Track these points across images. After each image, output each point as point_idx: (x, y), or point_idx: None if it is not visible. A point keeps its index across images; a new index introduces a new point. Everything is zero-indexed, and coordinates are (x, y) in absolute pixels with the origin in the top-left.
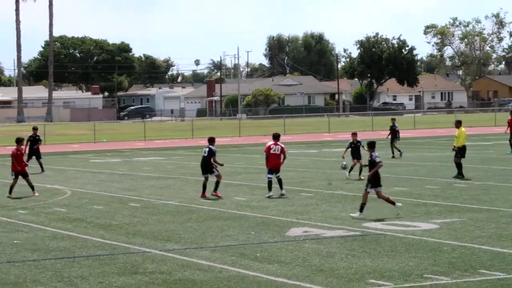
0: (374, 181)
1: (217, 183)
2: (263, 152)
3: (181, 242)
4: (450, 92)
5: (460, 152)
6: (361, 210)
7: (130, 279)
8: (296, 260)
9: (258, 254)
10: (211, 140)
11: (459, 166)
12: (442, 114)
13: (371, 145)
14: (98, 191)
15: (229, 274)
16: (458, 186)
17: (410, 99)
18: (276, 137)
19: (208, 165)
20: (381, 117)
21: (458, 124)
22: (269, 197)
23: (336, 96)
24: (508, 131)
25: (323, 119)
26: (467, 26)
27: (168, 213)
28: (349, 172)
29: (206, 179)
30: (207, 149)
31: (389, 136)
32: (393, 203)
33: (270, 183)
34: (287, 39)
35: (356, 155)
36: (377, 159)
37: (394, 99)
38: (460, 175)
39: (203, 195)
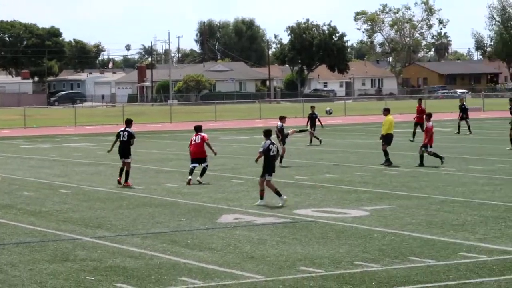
0: (266, 168)
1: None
2: None
3: (112, 229)
4: (380, 79)
5: (385, 139)
6: (261, 197)
7: (61, 266)
8: (227, 247)
9: (189, 241)
10: (129, 123)
11: (385, 153)
12: (372, 101)
13: (266, 133)
14: (29, 177)
15: (160, 261)
16: (388, 173)
17: (341, 86)
18: (197, 129)
19: (126, 149)
20: (312, 103)
21: (386, 112)
22: (188, 182)
23: (267, 83)
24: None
25: (254, 105)
26: (397, 13)
27: (98, 200)
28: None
29: (124, 163)
30: (125, 133)
31: (308, 124)
32: (279, 194)
33: (191, 171)
34: (218, 24)
35: (283, 141)
36: (260, 148)
37: (325, 86)
38: (387, 161)
39: (121, 181)
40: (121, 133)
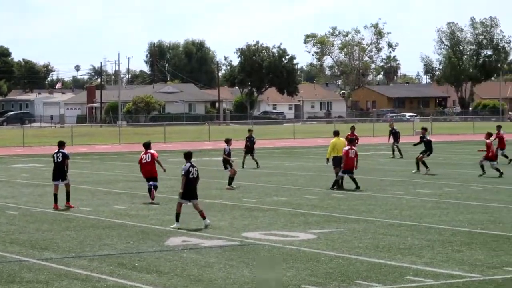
0: (187, 194)
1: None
2: None
3: (58, 251)
4: (329, 101)
5: (333, 162)
6: (177, 219)
7: None
8: (174, 269)
9: (136, 264)
10: (61, 144)
11: (336, 175)
12: (321, 123)
13: (187, 156)
14: None
15: (107, 283)
16: (336, 196)
17: (290, 108)
18: (146, 146)
19: (62, 171)
20: (261, 126)
21: (334, 134)
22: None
23: (217, 104)
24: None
25: (203, 127)
26: (347, 36)
27: (46, 221)
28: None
29: (56, 188)
30: (59, 154)
31: (245, 149)
32: (203, 217)
33: (149, 190)
34: (168, 46)
35: (230, 164)
36: (182, 172)
37: (274, 108)
38: (335, 184)
39: (58, 207)
40: (55, 155)
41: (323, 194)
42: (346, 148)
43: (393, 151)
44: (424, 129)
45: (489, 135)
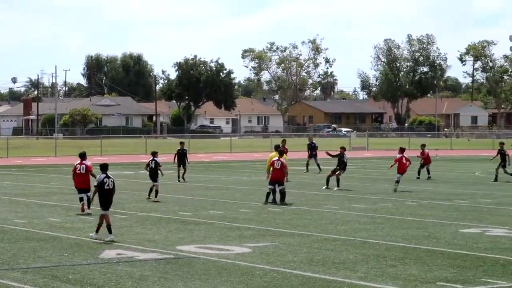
0: (101, 203)
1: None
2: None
3: None
4: (267, 116)
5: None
6: (97, 231)
7: None
8: (108, 283)
9: (70, 276)
10: None
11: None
12: (258, 138)
13: (102, 167)
14: None
15: None
16: (272, 210)
17: (227, 123)
18: (81, 156)
19: None
20: (198, 139)
21: (274, 149)
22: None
23: (154, 118)
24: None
25: (140, 140)
26: (284, 51)
27: None
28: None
29: None
30: None
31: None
32: (110, 231)
33: (81, 199)
34: (106, 59)
35: (154, 178)
36: (95, 183)
37: (212, 122)
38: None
39: None
40: None
41: (259, 208)
42: (274, 159)
43: (307, 165)
44: (343, 148)
45: (401, 150)
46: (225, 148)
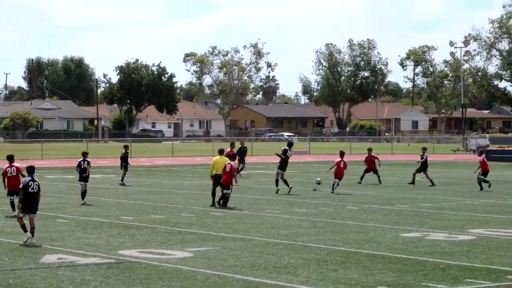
0: (27, 207)
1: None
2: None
3: None
4: (208, 120)
5: (213, 180)
6: (24, 231)
7: None
8: (49, 287)
9: (11, 281)
10: None
11: (212, 194)
12: (200, 142)
13: (29, 170)
14: None
15: None
16: (214, 215)
17: (169, 127)
18: (9, 158)
19: None
20: (140, 143)
21: (218, 153)
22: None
23: (95, 122)
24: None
25: (81, 144)
26: (226, 55)
27: None
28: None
29: None
30: None
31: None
32: (25, 230)
33: (12, 204)
34: (47, 62)
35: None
36: (20, 185)
37: (153, 126)
38: (213, 203)
39: None
40: None
41: (201, 213)
42: (226, 162)
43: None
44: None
45: (341, 154)
46: (167, 152)
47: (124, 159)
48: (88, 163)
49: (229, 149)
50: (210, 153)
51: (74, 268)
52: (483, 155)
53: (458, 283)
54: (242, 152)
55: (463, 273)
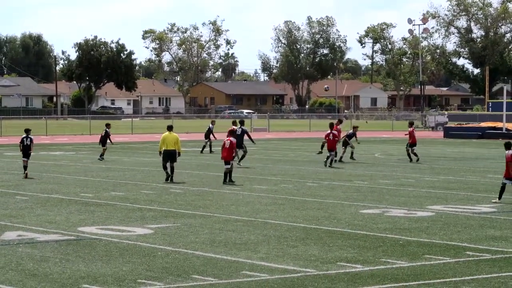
0: None
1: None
2: None
3: None
4: (168, 97)
5: (163, 156)
6: None
7: None
8: (9, 264)
9: None
10: None
11: (163, 167)
12: (160, 119)
13: None
14: None
15: None
16: (173, 191)
17: (129, 104)
18: None
19: None
20: (99, 121)
21: (168, 128)
22: None
23: (55, 99)
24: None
25: (41, 121)
26: (185, 32)
27: None
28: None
29: None
30: None
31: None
32: None
33: None
34: (5, 39)
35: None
36: None
37: (113, 103)
38: (167, 178)
39: None
40: None
41: (161, 189)
42: (225, 139)
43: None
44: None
45: (330, 126)
46: (126, 129)
47: (105, 136)
48: (31, 140)
49: (233, 127)
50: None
51: (34, 245)
52: (413, 127)
53: (417, 259)
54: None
55: (422, 249)
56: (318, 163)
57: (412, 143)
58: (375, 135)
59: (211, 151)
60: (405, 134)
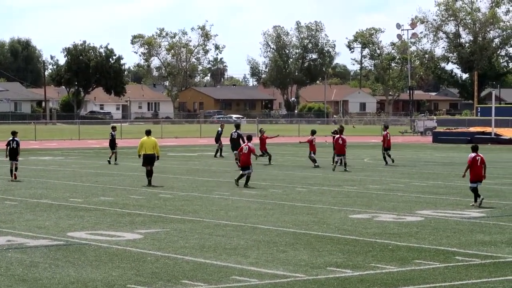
0: None
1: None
2: None
3: None
4: (157, 102)
5: (143, 161)
6: None
7: None
8: None
9: None
10: None
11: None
12: (149, 124)
13: None
14: None
15: None
16: (163, 196)
17: (118, 109)
18: None
19: None
20: (88, 125)
21: (146, 133)
22: None
23: (43, 104)
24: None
25: (29, 126)
26: (174, 37)
27: None
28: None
29: None
30: None
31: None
32: None
33: None
34: None
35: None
36: None
37: (102, 108)
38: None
39: None
40: None
41: (150, 194)
42: (243, 144)
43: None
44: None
45: (341, 131)
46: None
47: (112, 140)
48: (17, 143)
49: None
50: (159, 135)
51: (24, 250)
52: (387, 131)
53: (407, 264)
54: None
55: (411, 254)
56: (307, 168)
57: (387, 147)
58: (364, 140)
59: (221, 155)
60: (381, 141)
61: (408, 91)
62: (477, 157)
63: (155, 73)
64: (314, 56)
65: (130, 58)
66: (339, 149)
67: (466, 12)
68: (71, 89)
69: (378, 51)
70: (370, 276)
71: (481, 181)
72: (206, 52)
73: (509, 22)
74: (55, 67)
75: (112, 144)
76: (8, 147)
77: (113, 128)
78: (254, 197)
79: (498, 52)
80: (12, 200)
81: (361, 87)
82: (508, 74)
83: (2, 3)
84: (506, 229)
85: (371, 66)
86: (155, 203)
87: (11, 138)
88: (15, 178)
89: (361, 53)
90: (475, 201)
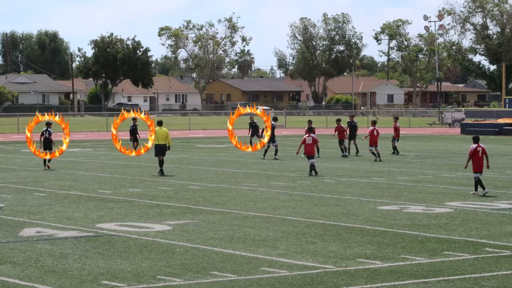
0: None
1: None
2: None
3: None
4: (184, 94)
5: (155, 150)
6: None
7: None
8: (28, 260)
9: None
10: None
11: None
12: (176, 116)
13: None
14: None
15: None
16: (191, 188)
17: (145, 100)
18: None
19: None
20: (115, 117)
21: (158, 123)
22: None
23: (71, 96)
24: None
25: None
26: (201, 29)
27: None
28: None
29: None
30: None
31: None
32: None
33: None
34: (21, 36)
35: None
36: None
37: (129, 100)
38: (160, 172)
39: None
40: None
41: (178, 186)
42: (305, 135)
43: (251, 143)
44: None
45: (373, 123)
46: (143, 126)
47: (133, 131)
48: (50, 133)
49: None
50: (186, 127)
51: (53, 242)
52: (397, 122)
53: (436, 255)
54: (255, 127)
55: (441, 245)
56: (335, 159)
57: (396, 137)
58: (393, 131)
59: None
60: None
61: (436, 83)
62: (478, 148)
63: (182, 65)
64: (341, 48)
65: (158, 50)
66: (373, 140)
67: (494, 4)
68: (99, 81)
69: (405, 43)
70: (400, 268)
71: (481, 172)
72: (233, 44)
73: None
74: (82, 59)
75: (134, 135)
76: (42, 137)
77: (134, 120)
78: (283, 188)
79: None
80: (41, 192)
81: (388, 78)
82: None
83: None
84: None
85: (398, 58)
86: (183, 195)
87: (44, 129)
88: (48, 168)
89: (388, 44)
90: (475, 190)
